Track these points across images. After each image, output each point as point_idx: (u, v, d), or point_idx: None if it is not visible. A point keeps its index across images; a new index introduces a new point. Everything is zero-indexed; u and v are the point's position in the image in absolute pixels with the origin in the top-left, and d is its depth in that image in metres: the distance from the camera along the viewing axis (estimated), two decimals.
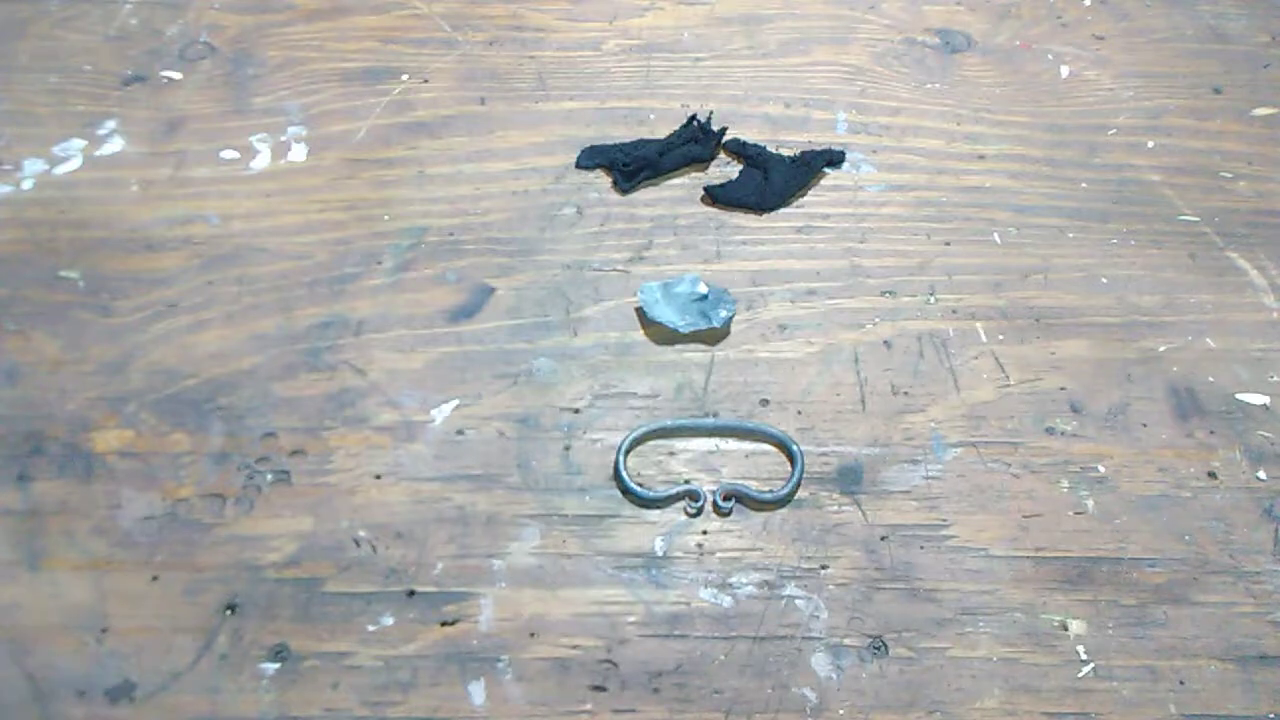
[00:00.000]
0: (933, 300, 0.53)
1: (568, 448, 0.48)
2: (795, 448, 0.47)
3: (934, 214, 0.56)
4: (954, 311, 0.52)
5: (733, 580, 0.44)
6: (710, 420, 0.48)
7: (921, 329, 0.52)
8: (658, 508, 0.46)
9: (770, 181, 0.56)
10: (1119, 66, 0.64)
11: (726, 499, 0.46)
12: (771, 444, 0.48)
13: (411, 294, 0.52)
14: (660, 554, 0.45)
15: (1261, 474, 0.47)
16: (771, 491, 0.46)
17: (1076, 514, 0.46)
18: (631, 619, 0.43)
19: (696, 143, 0.58)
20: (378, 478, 0.46)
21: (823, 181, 0.58)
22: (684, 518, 0.46)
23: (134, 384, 0.49)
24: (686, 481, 0.47)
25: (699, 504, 0.46)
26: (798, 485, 0.46)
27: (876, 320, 0.52)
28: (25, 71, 0.62)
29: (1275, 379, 0.50)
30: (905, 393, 0.50)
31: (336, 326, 0.51)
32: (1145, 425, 0.49)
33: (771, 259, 0.54)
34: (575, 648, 0.42)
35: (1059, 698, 0.42)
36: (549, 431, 0.48)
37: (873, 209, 0.56)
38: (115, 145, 0.58)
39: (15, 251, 0.54)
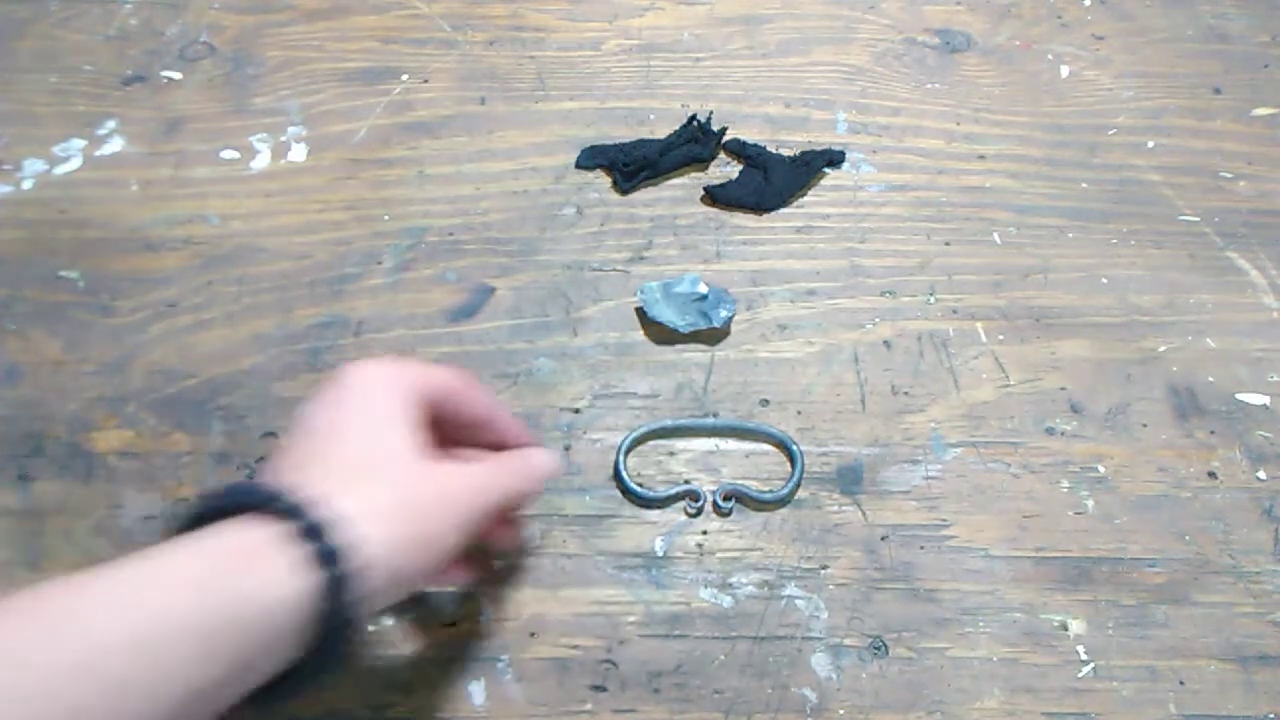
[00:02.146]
0: (933, 300, 0.53)
1: (568, 448, 0.48)
2: (795, 448, 0.47)
3: (934, 214, 0.56)
4: (954, 311, 0.52)
5: (733, 580, 0.44)
6: (710, 420, 0.48)
7: (921, 329, 0.52)
8: (658, 508, 0.46)
9: (770, 181, 0.56)
10: (1119, 66, 0.64)
11: (726, 499, 0.46)
12: (771, 444, 0.48)
13: (411, 294, 0.52)
14: (660, 554, 0.45)
15: (1261, 474, 0.47)
16: (771, 491, 0.46)
17: (1076, 514, 0.46)
18: (631, 619, 0.43)
19: (696, 143, 0.58)
20: None
21: (823, 181, 0.58)
22: (684, 518, 0.46)
23: (134, 384, 0.49)
24: (686, 481, 0.47)
25: (699, 504, 0.46)
26: (798, 485, 0.46)
27: (876, 320, 0.52)
28: (25, 71, 0.62)
29: (1275, 379, 0.50)
30: (905, 393, 0.50)
31: (336, 326, 0.51)
32: (1145, 425, 0.49)
33: (771, 259, 0.54)
34: (575, 648, 0.42)
35: (1059, 698, 0.42)
36: (549, 431, 0.48)
37: (873, 209, 0.56)
38: (115, 145, 0.58)
39: (15, 251, 0.54)
